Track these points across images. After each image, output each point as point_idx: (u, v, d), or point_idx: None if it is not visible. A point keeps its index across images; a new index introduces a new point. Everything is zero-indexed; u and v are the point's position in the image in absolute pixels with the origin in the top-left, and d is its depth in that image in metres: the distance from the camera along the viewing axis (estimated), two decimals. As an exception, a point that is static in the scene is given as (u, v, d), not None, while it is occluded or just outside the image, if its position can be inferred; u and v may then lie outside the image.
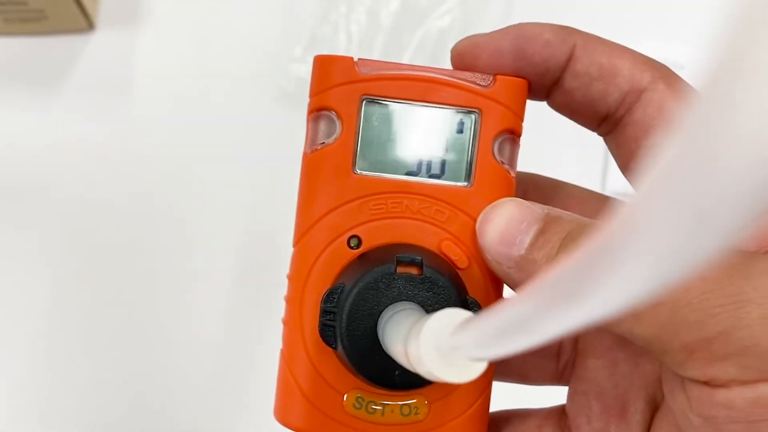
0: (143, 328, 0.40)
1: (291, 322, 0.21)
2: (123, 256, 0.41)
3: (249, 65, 0.44)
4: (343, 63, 0.20)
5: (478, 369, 0.15)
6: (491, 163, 0.21)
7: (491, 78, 0.20)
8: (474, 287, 0.20)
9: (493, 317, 0.13)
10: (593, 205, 0.23)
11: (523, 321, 0.12)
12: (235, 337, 0.40)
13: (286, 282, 0.21)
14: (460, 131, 0.21)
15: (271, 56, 0.44)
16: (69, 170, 0.42)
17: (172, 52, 0.45)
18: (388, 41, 0.45)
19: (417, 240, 0.20)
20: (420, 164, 0.21)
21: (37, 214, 0.42)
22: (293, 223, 0.21)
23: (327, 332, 0.19)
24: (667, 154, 0.08)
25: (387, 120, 0.21)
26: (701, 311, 0.16)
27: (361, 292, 0.19)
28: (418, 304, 0.19)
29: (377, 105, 0.20)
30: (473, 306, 0.19)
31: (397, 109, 0.20)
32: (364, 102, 0.20)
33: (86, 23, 0.43)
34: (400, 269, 0.19)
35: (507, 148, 0.21)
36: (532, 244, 0.18)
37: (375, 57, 0.44)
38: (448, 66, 0.21)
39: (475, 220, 0.20)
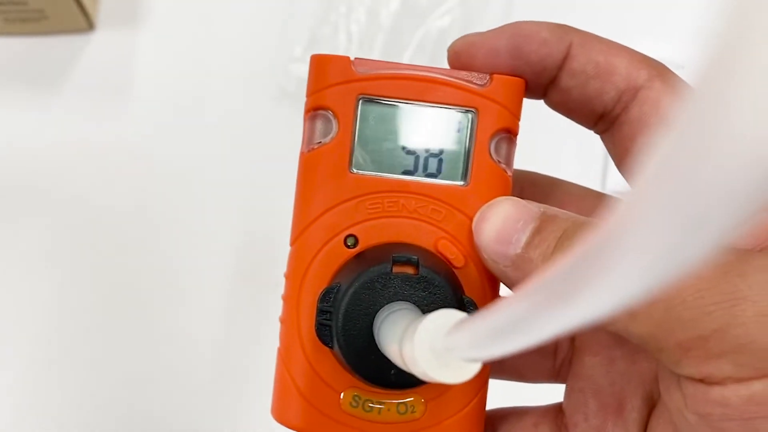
0: (143, 328, 0.40)
1: (288, 321, 0.20)
2: (123, 256, 0.41)
3: (249, 65, 0.44)
4: (340, 62, 0.20)
5: (472, 370, 0.14)
6: (488, 162, 0.20)
7: (488, 77, 0.20)
8: (470, 286, 0.20)
9: (487, 318, 0.13)
10: (590, 202, 0.23)
11: (517, 322, 0.12)
12: (237, 336, 0.40)
13: (284, 281, 0.21)
14: (457, 130, 0.20)
15: (271, 56, 0.44)
16: (69, 170, 0.42)
17: (172, 52, 0.44)
18: (388, 41, 0.44)
19: (413, 239, 0.20)
20: (416, 163, 0.20)
21: (36, 213, 0.41)
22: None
23: (323, 331, 0.19)
24: (660, 152, 0.08)
25: (383, 119, 0.20)
26: (696, 309, 0.16)
27: (357, 292, 0.19)
28: (414, 303, 0.19)
29: (374, 104, 0.20)
30: (469, 305, 0.19)
31: (393, 108, 0.20)
32: (360, 101, 0.20)
33: (86, 23, 0.43)
34: (396, 269, 0.19)
35: (503, 147, 0.21)
36: (528, 243, 0.18)
37: (375, 57, 0.44)
38: (447, 66, 0.21)
39: (471, 219, 0.20)
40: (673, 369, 0.17)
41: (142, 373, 0.40)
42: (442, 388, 0.20)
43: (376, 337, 0.18)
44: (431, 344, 0.15)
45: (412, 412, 0.20)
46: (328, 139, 0.20)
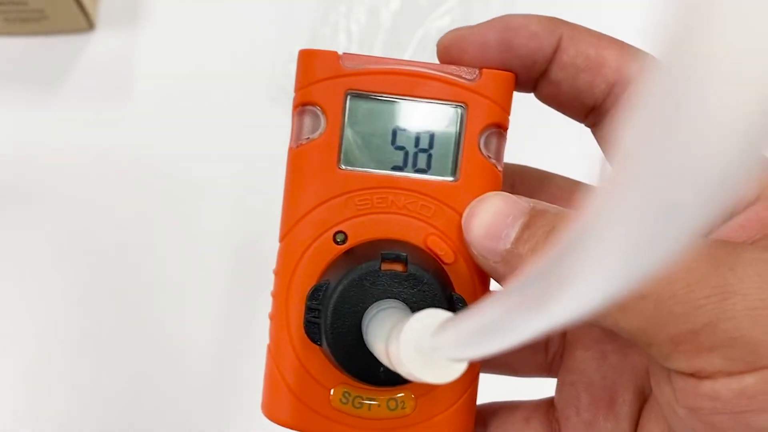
0: (143, 328, 0.39)
1: (277, 318, 0.20)
2: (122, 256, 0.40)
3: (249, 65, 0.43)
4: (328, 57, 0.19)
5: (458, 370, 0.14)
6: (477, 157, 0.20)
7: (477, 72, 0.19)
8: (460, 282, 0.19)
9: (472, 318, 0.12)
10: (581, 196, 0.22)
11: (502, 321, 0.11)
12: (233, 336, 0.39)
13: (273, 278, 0.20)
14: (446, 126, 0.20)
15: (270, 56, 0.43)
16: (69, 170, 0.41)
17: (171, 52, 0.44)
18: (388, 41, 0.44)
19: (403, 235, 0.19)
20: (406, 159, 0.20)
21: (36, 213, 0.41)
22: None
23: (312, 329, 0.18)
24: (629, 138, 0.07)
25: (372, 115, 0.19)
26: (686, 303, 0.15)
27: (346, 290, 0.18)
28: (403, 301, 0.18)
29: (362, 100, 0.19)
30: (458, 303, 0.18)
31: (382, 103, 0.19)
32: (348, 97, 0.19)
33: (86, 23, 0.42)
34: (384, 266, 0.18)
35: (493, 142, 0.20)
36: (518, 238, 0.17)
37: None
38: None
39: (461, 215, 0.19)
40: (664, 363, 0.16)
41: (141, 372, 0.39)
42: (433, 384, 0.19)
43: (364, 336, 0.17)
44: (417, 344, 0.14)
45: (403, 408, 0.19)
46: (316, 134, 0.19)
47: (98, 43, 0.43)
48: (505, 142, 0.20)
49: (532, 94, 0.20)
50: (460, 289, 0.19)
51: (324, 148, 0.19)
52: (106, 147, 0.41)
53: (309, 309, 0.18)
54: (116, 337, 0.39)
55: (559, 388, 0.22)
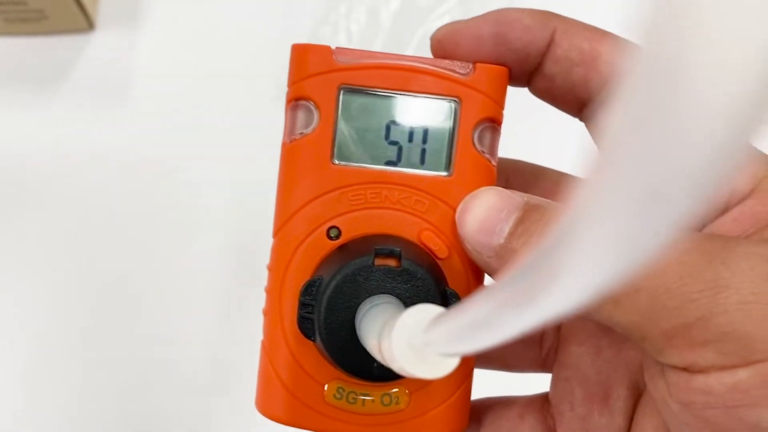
0: (142, 327, 0.39)
1: (271, 313, 0.19)
2: (122, 256, 0.40)
3: (249, 65, 0.43)
4: (320, 52, 0.19)
5: (450, 365, 0.13)
6: (471, 152, 0.19)
7: (471, 66, 0.19)
8: (454, 277, 0.19)
9: (463, 313, 0.12)
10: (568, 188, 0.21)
11: (494, 316, 0.10)
12: (229, 332, 0.39)
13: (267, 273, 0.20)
14: (440, 120, 0.19)
15: (270, 56, 0.43)
16: (68, 170, 0.40)
17: (172, 52, 0.43)
18: (388, 41, 0.43)
19: (396, 230, 0.19)
20: (399, 154, 0.19)
21: (36, 213, 0.40)
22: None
23: (305, 325, 0.18)
24: (615, 128, 0.07)
25: (365, 109, 0.19)
26: (680, 297, 0.15)
27: (339, 285, 0.17)
28: (396, 296, 0.17)
29: (355, 94, 0.19)
30: (452, 298, 0.18)
31: (375, 98, 0.19)
32: (341, 91, 0.19)
33: (86, 23, 0.42)
34: (378, 261, 0.18)
35: (487, 136, 0.19)
36: (512, 233, 0.17)
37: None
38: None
39: (455, 210, 0.19)
40: (657, 357, 0.16)
41: (139, 371, 0.38)
42: (426, 380, 0.19)
43: (357, 331, 0.17)
44: (409, 340, 0.14)
45: (397, 403, 0.19)
46: (309, 129, 0.19)
47: (98, 43, 0.42)
48: (499, 136, 0.20)
49: (526, 89, 0.20)
50: (453, 284, 0.19)
51: (317, 143, 0.19)
52: (105, 147, 0.41)
53: (302, 304, 0.18)
54: (115, 337, 0.39)
55: (554, 383, 0.21)
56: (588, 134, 0.20)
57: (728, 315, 0.14)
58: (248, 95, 0.42)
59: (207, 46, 0.43)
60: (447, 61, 0.19)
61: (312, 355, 0.19)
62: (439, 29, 0.19)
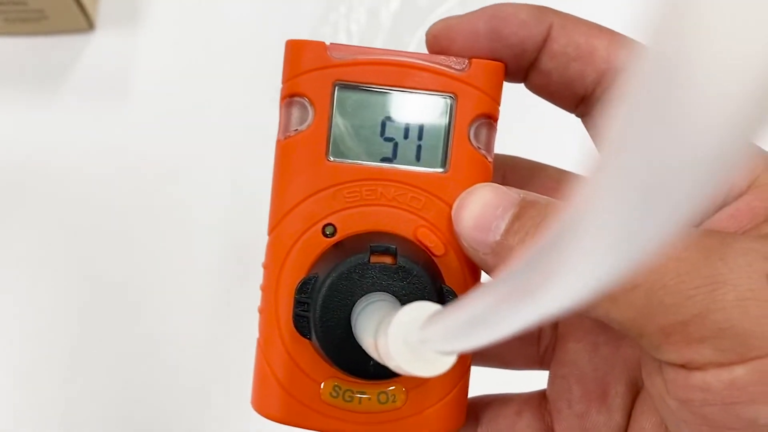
0: (141, 326, 0.38)
1: (266, 312, 0.19)
2: (122, 256, 0.39)
3: (248, 65, 0.42)
4: (315, 48, 0.18)
5: (447, 363, 0.13)
6: (467, 148, 0.19)
7: (466, 62, 0.18)
8: (451, 274, 0.18)
9: (460, 310, 0.11)
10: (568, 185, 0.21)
11: (490, 313, 0.10)
12: (233, 333, 0.38)
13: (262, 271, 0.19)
14: (436, 116, 0.19)
15: (271, 56, 0.42)
16: (68, 170, 0.40)
17: (172, 52, 0.43)
18: (388, 41, 0.43)
19: (392, 228, 0.18)
20: (395, 151, 0.19)
21: (36, 213, 0.40)
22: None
23: (301, 323, 0.17)
24: (616, 126, 0.07)
25: (360, 106, 0.18)
26: (677, 293, 0.14)
27: (335, 283, 0.17)
28: (393, 293, 0.17)
29: (350, 91, 0.18)
30: (448, 295, 0.17)
31: (370, 94, 0.18)
32: (336, 88, 0.18)
33: (86, 23, 0.41)
34: (374, 258, 0.17)
35: (483, 133, 0.19)
36: (508, 230, 0.16)
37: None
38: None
39: (451, 207, 0.18)
40: (654, 354, 0.15)
41: (138, 370, 0.38)
42: (423, 378, 0.19)
43: (353, 329, 0.17)
44: (405, 338, 0.13)
45: (393, 401, 0.19)
46: (304, 126, 0.19)
47: (98, 43, 0.42)
48: (495, 132, 0.19)
49: (522, 85, 0.20)
50: (450, 281, 0.18)
51: (312, 139, 0.18)
52: (105, 147, 0.40)
53: (298, 302, 0.18)
54: (113, 336, 0.38)
55: (551, 380, 0.21)
56: (585, 130, 0.20)
57: (725, 312, 0.14)
58: (248, 95, 0.42)
59: (207, 46, 0.43)
60: (442, 57, 0.18)
61: (308, 354, 0.18)
62: (434, 25, 0.19)
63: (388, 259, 0.17)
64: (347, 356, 0.17)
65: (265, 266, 0.19)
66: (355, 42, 0.42)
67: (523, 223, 0.16)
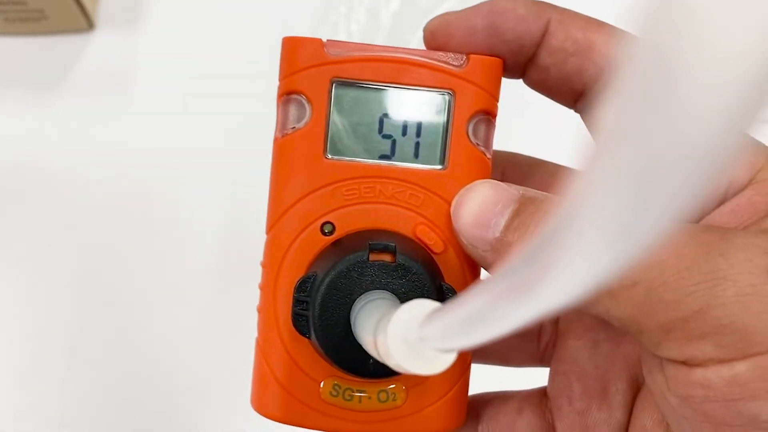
0: (142, 327, 0.38)
1: (265, 311, 0.19)
2: (122, 256, 0.39)
3: (248, 65, 0.42)
4: (312, 45, 0.18)
5: (446, 361, 0.13)
6: (466, 145, 0.18)
7: (465, 58, 0.18)
8: (450, 272, 0.18)
9: (459, 308, 0.11)
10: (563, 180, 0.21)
11: (490, 310, 0.10)
12: (232, 332, 0.38)
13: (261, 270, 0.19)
14: (434, 113, 0.18)
15: (271, 56, 0.42)
16: (68, 169, 0.40)
17: (172, 52, 0.42)
18: (388, 41, 0.43)
19: (391, 225, 0.18)
20: (393, 148, 0.18)
21: (36, 213, 0.39)
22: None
23: (300, 322, 0.17)
24: (611, 119, 0.07)
25: (358, 103, 0.18)
26: (677, 290, 0.14)
27: (334, 281, 0.17)
28: (392, 291, 0.17)
29: (348, 88, 0.18)
30: (448, 292, 0.17)
31: (368, 91, 0.18)
32: (334, 85, 0.18)
33: (86, 23, 0.41)
34: (372, 256, 0.17)
35: (482, 129, 0.19)
36: (507, 227, 0.16)
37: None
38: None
39: (450, 204, 0.18)
40: (655, 351, 0.15)
41: (137, 370, 0.38)
42: (423, 376, 0.18)
43: (353, 327, 0.16)
44: (405, 336, 0.13)
45: (393, 399, 0.18)
46: (301, 124, 0.18)
47: (98, 43, 0.42)
48: (494, 129, 0.19)
49: (520, 80, 0.19)
50: (449, 278, 0.18)
51: (310, 137, 0.18)
52: (105, 147, 0.40)
53: (297, 301, 0.17)
54: (113, 336, 0.38)
55: (552, 377, 0.21)
56: (583, 125, 0.20)
57: (726, 307, 0.14)
58: (248, 95, 0.42)
59: (207, 46, 0.42)
60: (440, 53, 0.18)
61: (307, 353, 0.18)
62: (431, 21, 0.18)
63: (387, 257, 0.17)
64: (347, 355, 0.17)
65: (264, 265, 0.19)
66: (355, 42, 0.42)
67: (523, 219, 0.16)
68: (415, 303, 0.13)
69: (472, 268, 0.19)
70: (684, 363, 0.15)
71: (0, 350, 0.38)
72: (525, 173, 0.21)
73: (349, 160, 0.18)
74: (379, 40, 0.42)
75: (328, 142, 0.18)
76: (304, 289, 0.17)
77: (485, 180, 0.18)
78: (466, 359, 0.19)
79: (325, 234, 0.18)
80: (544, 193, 0.17)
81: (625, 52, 0.06)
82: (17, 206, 0.39)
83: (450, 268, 0.18)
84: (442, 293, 0.17)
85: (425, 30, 0.19)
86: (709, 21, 0.06)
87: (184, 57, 0.42)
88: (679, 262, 0.14)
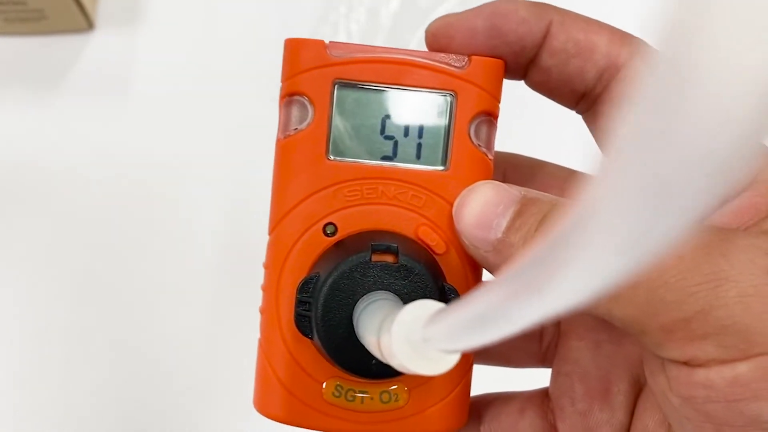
0: (143, 328, 0.38)
1: (267, 312, 0.19)
2: (122, 256, 0.39)
3: (248, 65, 0.42)
4: (314, 46, 0.18)
5: (450, 361, 0.13)
6: (468, 146, 0.19)
7: (466, 59, 0.18)
8: (452, 272, 0.18)
9: (463, 308, 0.11)
10: (575, 184, 0.21)
11: (494, 311, 0.10)
12: (234, 333, 0.38)
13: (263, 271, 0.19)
14: (436, 114, 0.19)
15: (271, 56, 0.42)
16: (68, 169, 0.40)
17: (171, 52, 0.42)
18: (388, 41, 0.43)
19: (393, 226, 0.18)
20: (395, 149, 0.19)
21: (36, 213, 0.40)
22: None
23: (302, 322, 0.17)
24: (625, 125, 0.07)
25: (360, 104, 0.18)
26: (679, 291, 0.14)
27: (336, 282, 0.17)
28: (394, 292, 0.17)
29: (350, 89, 0.18)
30: (450, 293, 0.17)
31: (370, 92, 0.18)
32: (336, 86, 0.18)
33: (86, 23, 0.41)
34: (375, 257, 0.17)
35: (484, 130, 0.19)
36: (509, 227, 0.16)
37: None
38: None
39: (452, 205, 0.18)
40: (657, 352, 0.15)
41: (138, 370, 0.38)
42: (426, 376, 0.19)
43: (355, 328, 0.17)
44: (408, 336, 0.13)
45: (396, 400, 0.18)
46: (304, 125, 0.18)
47: (98, 43, 0.42)
48: (495, 130, 0.19)
49: (522, 82, 0.19)
50: (451, 279, 0.18)
51: (312, 138, 0.18)
52: (105, 147, 0.40)
53: (299, 302, 0.17)
54: (114, 336, 0.38)
55: (554, 378, 0.21)
56: (585, 127, 0.20)
57: (728, 308, 0.14)
58: (248, 95, 0.42)
59: (207, 46, 0.42)
60: (442, 55, 0.18)
61: (309, 353, 0.18)
62: (433, 22, 0.19)
63: (389, 258, 0.17)
64: (349, 355, 0.17)
65: (266, 266, 0.19)
66: (354, 42, 0.42)
67: (525, 220, 0.16)
68: (418, 303, 0.13)
69: (473, 269, 0.19)
70: (686, 363, 0.15)
71: (0, 350, 0.38)
72: (526, 174, 0.21)
73: (352, 161, 0.18)
74: (379, 40, 0.42)
75: (330, 143, 0.18)
76: (306, 289, 0.17)
77: (487, 181, 0.18)
78: (468, 360, 0.19)
79: (327, 235, 0.18)
80: (546, 194, 0.17)
81: (642, 58, 0.07)
82: (17, 206, 0.39)
83: (452, 268, 0.18)
84: (444, 294, 0.17)
85: (427, 32, 0.19)
86: (727, 29, 0.06)
87: (184, 57, 0.42)
88: (681, 263, 0.14)
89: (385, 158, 0.19)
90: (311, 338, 0.17)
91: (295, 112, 0.19)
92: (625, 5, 0.41)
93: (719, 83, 0.06)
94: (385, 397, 0.18)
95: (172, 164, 0.40)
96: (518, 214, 0.16)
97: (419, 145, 0.19)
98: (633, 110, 0.07)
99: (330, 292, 0.17)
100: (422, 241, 0.18)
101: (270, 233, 0.19)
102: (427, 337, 0.13)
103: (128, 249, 0.39)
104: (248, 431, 0.36)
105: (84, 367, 0.38)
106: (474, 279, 0.19)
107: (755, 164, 0.17)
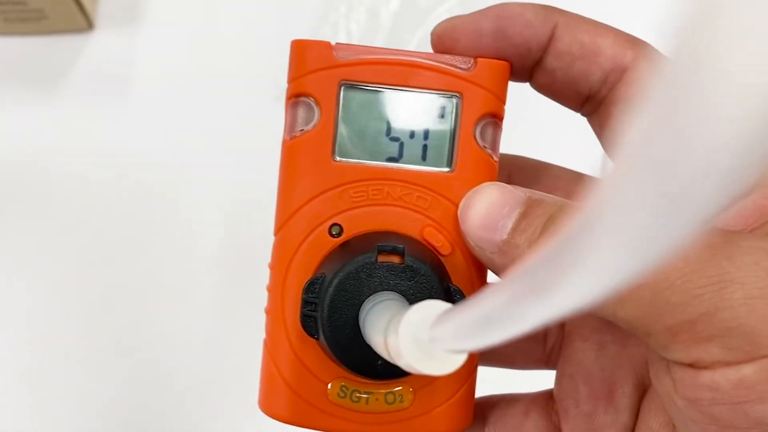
0: (144, 328, 0.38)
1: (273, 312, 0.19)
2: (122, 256, 0.39)
3: (249, 65, 0.42)
4: (320, 48, 0.18)
5: (457, 361, 0.13)
6: (473, 147, 0.19)
7: (472, 61, 0.19)
8: (457, 274, 0.18)
9: (471, 309, 0.11)
10: (580, 186, 0.21)
11: (501, 312, 0.10)
12: (231, 332, 0.38)
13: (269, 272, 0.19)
14: (441, 116, 0.19)
15: (271, 56, 0.42)
16: (68, 170, 0.40)
17: (172, 52, 0.43)
18: (389, 41, 0.43)
19: (399, 227, 0.19)
20: (401, 150, 0.19)
21: (36, 213, 0.40)
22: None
23: (308, 323, 0.18)
24: (635, 129, 0.07)
25: (366, 105, 0.19)
26: (684, 293, 0.14)
27: (342, 282, 0.17)
28: (400, 293, 0.17)
29: (356, 90, 0.19)
30: (456, 294, 0.17)
31: (376, 94, 0.19)
32: (342, 87, 0.18)
33: (86, 23, 0.41)
34: (381, 258, 0.17)
35: (489, 132, 0.19)
36: (515, 229, 0.16)
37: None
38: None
39: (457, 206, 0.19)
40: (662, 354, 0.15)
41: (139, 371, 0.38)
42: (431, 377, 0.19)
43: (361, 328, 0.17)
44: (415, 336, 0.13)
45: (401, 401, 0.19)
46: (310, 126, 0.19)
47: (98, 43, 0.42)
48: (500, 131, 0.19)
49: (527, 84, 0.20)
50: (457, 280, 0.18)
51: (318, 139, 0.18)
52: (105, 146, 0.40)
53: (305, 302, 0.18)
54: (114, 336, 0.38)
55: (558, 380, 0.21)
56: (590, 129, 0.20)
57: (733, 310, 0.14)
58: (248, 95, 0.42)
59: (207, 46, 0.43)
60: (448, 56, 0.19)
61: (315, 354, 0.18)
62: (438, 24, 0.19)
63: (395, 259, 0.17)
64: (355, 356, 0.17)
65: (272, 267, 0.19)
66: (355, 42, 0.42)
67: (530, 221, 0.16)
68: (425, 304, 0.14)
69: (479, 270, 0.19)
70: (691, 365, 0.15)
71: (0, 350, 0.38)
72: (531, 176, 0.22)
73: (357, 163, 0.19)
74: (379, 40, 0.43)
75: (336, 144, 0.19)
76: (312, 290, 0.18)
77: (492, 182, 0.18)
78: (473, 361, 0.19)
79: (333, 236, 0.19)
80: (551, 195, 0.17)
81: (654, 62, 0.07)
82: (17, 206, 0.40)
83: (457, 269, 0.19)
84: (449, 295, 0.17)
85: (432, 33, 0.19)
86: (738, 36, 0.06)
87: (183, 57, 0.42)
88: (686, 265, 0.14)
89: (390, 159, 0.19)
90: (317, 339, 0.18)
91: (301, 113, 0.19)
92: (630, 8, 0.41)
93: (729, 85, 0.06)
94: (390, 397, 0.19)
95: (172, 164, 0.40)
96: (523, 216, 0.17)
97: (425, 147, 0.19)
98: (641, 113, 0.07)
99: (336, 293, 0.17)
100: (428, 242, 0.19)
101: (276, 234, 0.19)
102: (435, 337, 0.13)
103: (128, 249, 0.39)
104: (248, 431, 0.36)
105: (84, 367, 0.38)
106: (479, 280, 0.19)
107: (763, 167, 0.17)
